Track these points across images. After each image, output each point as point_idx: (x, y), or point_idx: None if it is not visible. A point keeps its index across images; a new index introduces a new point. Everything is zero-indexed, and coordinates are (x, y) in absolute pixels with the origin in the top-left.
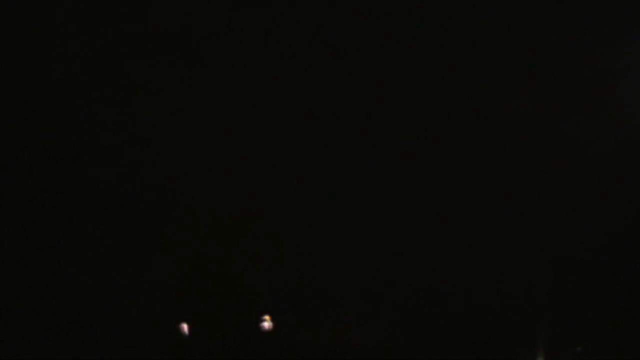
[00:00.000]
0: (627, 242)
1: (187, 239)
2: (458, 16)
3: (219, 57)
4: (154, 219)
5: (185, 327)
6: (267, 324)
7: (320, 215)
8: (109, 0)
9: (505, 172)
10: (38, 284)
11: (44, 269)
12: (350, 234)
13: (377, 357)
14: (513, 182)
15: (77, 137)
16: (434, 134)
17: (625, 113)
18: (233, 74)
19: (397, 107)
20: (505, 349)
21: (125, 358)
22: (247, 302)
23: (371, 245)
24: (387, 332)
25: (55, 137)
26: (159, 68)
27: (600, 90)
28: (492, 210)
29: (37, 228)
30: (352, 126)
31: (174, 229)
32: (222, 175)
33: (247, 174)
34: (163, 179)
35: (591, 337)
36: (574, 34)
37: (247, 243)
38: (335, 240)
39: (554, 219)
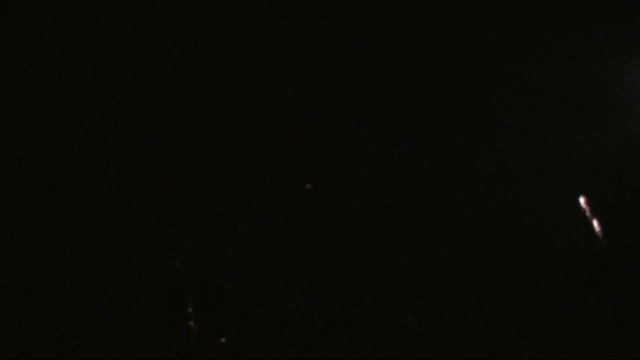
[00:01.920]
0: (614, 258)
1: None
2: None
3: (210, 67)
4: (146, 225)
5: None
6: None
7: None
8: (101, 9)
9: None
10: (25, 290)
11: (30, 274)
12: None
13: None
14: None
15: (68, 147)
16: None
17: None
18: (224, 83)
19: (390, 114)
20: None
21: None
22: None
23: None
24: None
25: (45, 145)
26: (149, 78)
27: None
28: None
29: (24, 234)
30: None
31: (167, 236)
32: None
33: (246, 180)
34: (157, 188)
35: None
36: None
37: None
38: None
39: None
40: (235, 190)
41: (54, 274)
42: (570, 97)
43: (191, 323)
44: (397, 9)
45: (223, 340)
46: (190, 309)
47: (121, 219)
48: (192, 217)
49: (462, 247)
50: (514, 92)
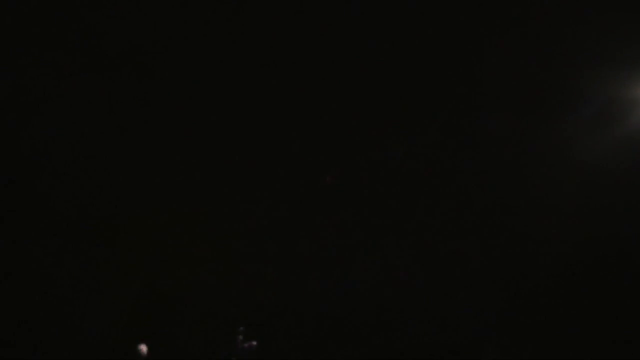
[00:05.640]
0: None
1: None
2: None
3: (176, 71)
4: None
5: (144, 348)
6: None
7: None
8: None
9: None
10: None
11: None
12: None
13: None
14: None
15: (31, 150)
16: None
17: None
18: (190, 86)
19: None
20: None
21: None
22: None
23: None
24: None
25: (8, 148)
26: (112, 82)
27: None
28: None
29: None
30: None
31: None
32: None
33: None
34: (120, 192)
35: None
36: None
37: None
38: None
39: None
40: (200, 195)
41: (15, 274)
42: (552, 102)
43: (148, 324)
44: (382, 19)
45: (180, 342)
46: (148, 310)
47: (83, 222)
48: (154, 221)
49: (432, 253)
50: (498, 99)
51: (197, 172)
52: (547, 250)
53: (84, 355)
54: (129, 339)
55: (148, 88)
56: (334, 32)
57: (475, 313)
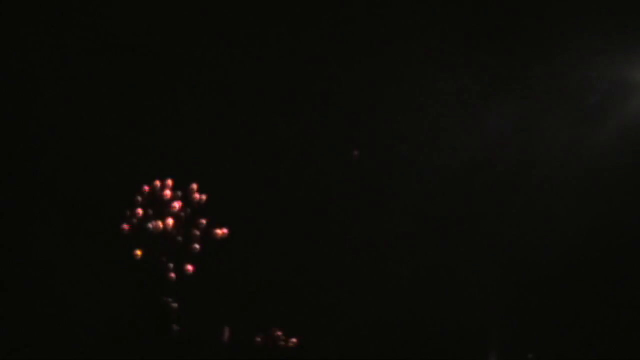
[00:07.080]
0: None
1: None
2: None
3: (183, 58)
4: None
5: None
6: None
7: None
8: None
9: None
10: None
11: None
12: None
13: None
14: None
15: (35, 135)
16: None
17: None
18: (196, 74)
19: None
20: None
21: None
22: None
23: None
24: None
25: (11, 133)
26: (118, 67)
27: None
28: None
29: None
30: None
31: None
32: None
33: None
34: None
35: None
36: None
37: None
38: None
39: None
40: (208, 188)
41: (19, 259)
42: (554, 96)
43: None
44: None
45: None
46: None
47: (86, 208)
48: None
49: (435, 246)
50: (498, 93)
51: (204, 163)
52: (552, 244)
53: (86, 355)
54: (131, 337)
55: (158, 75)
56: (335, 33)
57: (481, 309)
